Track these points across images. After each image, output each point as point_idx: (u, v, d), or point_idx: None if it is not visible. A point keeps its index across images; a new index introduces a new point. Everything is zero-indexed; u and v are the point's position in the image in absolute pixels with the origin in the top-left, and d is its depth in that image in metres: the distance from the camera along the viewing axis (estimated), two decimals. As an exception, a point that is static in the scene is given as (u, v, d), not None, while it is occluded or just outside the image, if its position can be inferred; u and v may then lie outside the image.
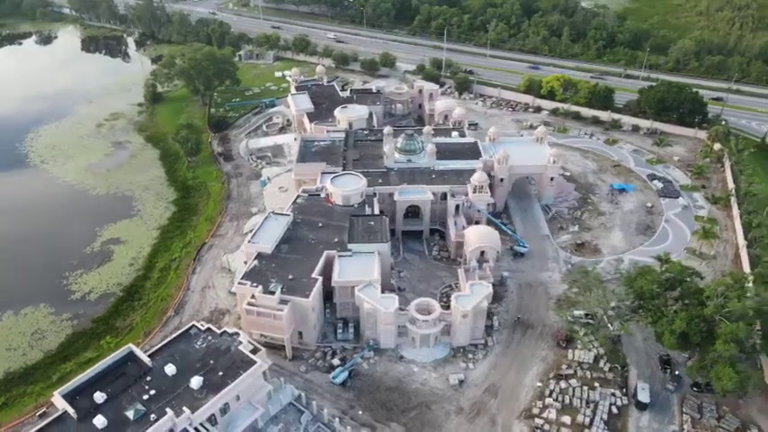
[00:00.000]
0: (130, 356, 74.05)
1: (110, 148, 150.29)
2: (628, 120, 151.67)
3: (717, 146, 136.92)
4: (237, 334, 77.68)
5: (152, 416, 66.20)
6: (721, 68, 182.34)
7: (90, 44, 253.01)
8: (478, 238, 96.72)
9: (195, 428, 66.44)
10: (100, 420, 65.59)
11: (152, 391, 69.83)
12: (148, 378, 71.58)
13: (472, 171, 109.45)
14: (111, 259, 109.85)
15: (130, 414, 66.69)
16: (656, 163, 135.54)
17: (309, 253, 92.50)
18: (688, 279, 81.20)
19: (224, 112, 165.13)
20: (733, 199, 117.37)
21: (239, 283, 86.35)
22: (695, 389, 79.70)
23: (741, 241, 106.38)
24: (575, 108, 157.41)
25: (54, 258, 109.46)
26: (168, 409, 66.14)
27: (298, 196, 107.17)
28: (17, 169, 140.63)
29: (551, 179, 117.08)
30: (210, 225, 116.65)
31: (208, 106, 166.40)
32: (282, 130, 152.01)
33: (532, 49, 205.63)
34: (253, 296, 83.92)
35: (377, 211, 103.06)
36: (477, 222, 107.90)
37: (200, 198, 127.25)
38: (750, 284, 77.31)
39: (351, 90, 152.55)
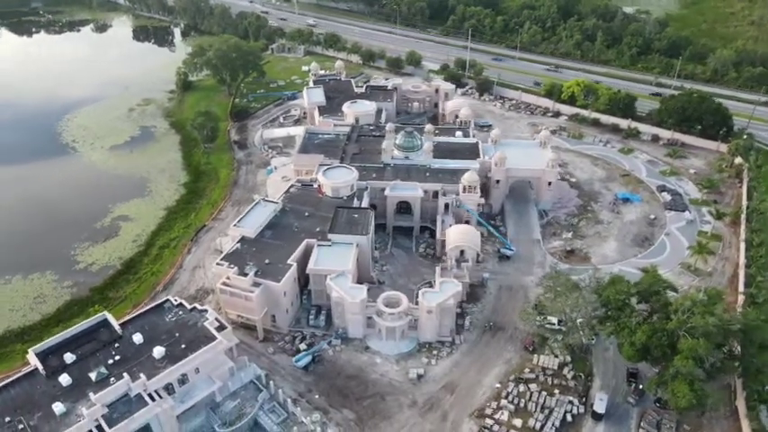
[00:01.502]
0: (103, 323, 78.83)
1: (136, 132, 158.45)
2: (648, 129, 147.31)
3: (737, 160, 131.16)
4: (206, 311, 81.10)
5: (112, 379, 70.78)
6: (762, 81, 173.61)
7: (140, 33, 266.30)
8: (459, 236, 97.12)
9: (149, 395, 70.40)
10: (65, 379, 70.59)
11: (117, 357, 74.21)
12: (116, 345, 76.08)
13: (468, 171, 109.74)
14: (118, 235, 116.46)
15: (93, 376, 71.23)
16: (670, 175, 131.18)
17: (291, 240, 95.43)
18: (660, 291, 79.31)
19: (247, 102, 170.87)
20: (743, 216, 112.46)
21: (217, 264, 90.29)
22: (657, 404, 77.67)
23: (742, 260, 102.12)
24: (595, 114, 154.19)
25: (67, 230, 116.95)
26: (125, 374, 70.50)
27: (291, 185, 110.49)
28: (49, 147, 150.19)
29: (549, 184, 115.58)
30: (213, 209, 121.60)
31: (233, 96, 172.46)
32: (298, 122, 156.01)
33: (564, 54, 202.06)
34: (228, 277, 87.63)
35: (365, 205, 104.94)
36: (466, 222, 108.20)
37: (209, 183, 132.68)
38: (718, 303, 74.45)
39: (366, 86, 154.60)
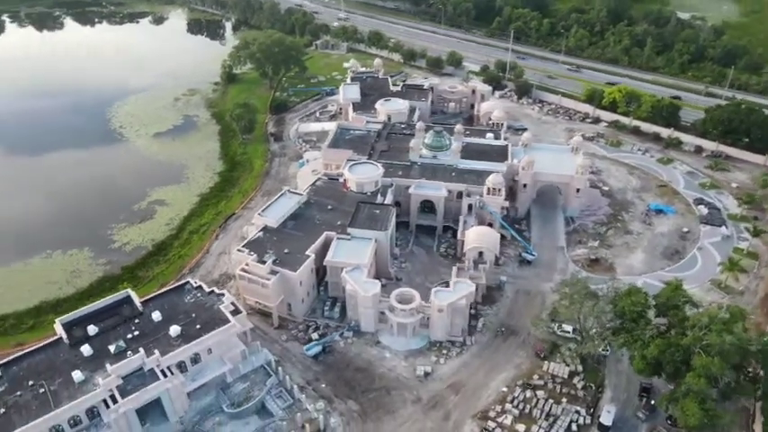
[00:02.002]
0: (127, 300, 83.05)
1: (179, 120, 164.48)
2: (691, 140, 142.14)
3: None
4: (223, 295, 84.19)
5: (128, 353, 74.42)
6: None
7: (194, 26, 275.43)
8: (477, 238, 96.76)
9: (162, 370, 73.57)
10: (86, 349, 74.93)
11: (136, 332, 78.15)
12: (137, 321, 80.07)
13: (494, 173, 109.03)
14: (153, 218, 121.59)
15: (112, 348, 75.32)
16: (710, 188, 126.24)
17: (312, 232, 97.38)
18: (680, 306, 76.90)
19: (287, 96, 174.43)
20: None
21: (238, 250, 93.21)
22: (669, 422, 75.33)
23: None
24: (636, 122, 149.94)
25: (107, 210, 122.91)
26: (141, 349, 73.96)
27: (318, 179, 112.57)
28: (99, 132, 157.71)
29: (578, 190, 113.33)
30: (243, 198, 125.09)
31: (274, 90, 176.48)
32: (334, 117, 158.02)
33: (610, 59, 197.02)
34: (247, 264, 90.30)
35: (388, 202, 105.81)
36: (489, 224, 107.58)
37: (242, 172, 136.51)
38: (739, 322, 71.46)
39: (402, 85, 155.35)
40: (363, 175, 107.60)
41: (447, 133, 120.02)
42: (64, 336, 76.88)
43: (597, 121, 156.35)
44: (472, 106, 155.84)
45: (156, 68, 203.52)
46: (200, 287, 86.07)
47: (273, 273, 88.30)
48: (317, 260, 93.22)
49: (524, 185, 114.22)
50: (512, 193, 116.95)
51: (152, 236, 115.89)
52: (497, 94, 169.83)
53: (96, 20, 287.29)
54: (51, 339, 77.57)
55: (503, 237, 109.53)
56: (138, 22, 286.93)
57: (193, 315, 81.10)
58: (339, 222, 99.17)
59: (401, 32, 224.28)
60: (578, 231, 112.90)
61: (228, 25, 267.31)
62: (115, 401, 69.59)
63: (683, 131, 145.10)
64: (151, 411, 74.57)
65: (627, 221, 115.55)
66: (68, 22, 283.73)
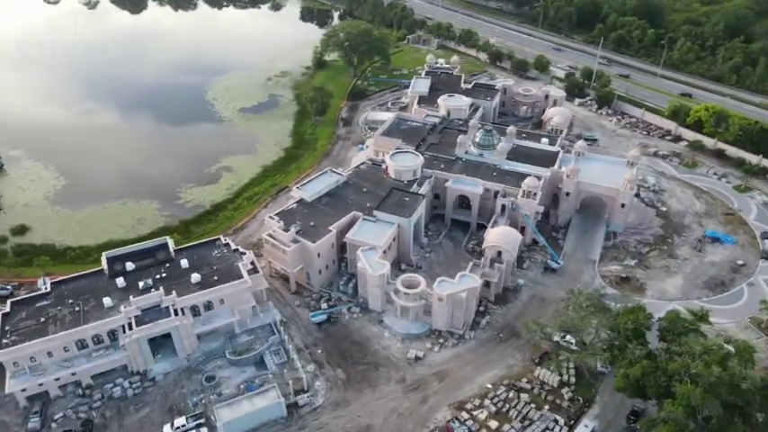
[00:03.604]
0: (164, 246, 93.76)
1: (265, 98, 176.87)
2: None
3: None
4: (244, 253, 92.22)
5: (152, 290, 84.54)
6: None
7: (306, 14, 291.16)
8: (498, 237, 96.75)
9: (176, 310, 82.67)
10: (120, 281, 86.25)
11: (164, 274, 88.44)
12: (167, 265, 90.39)
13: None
14: (218, 182, 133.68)
15: (141, 284, 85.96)
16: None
17: (341, 210, 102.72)
18: (686, 333, 72.92)
19: (367, 85, 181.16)
20: None
21: (269, 217, 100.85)
22: (649, 449, 71.89)
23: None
24: (721, 145, 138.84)
25: (181, 170, 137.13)
26: (161, 288, 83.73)
27: (363, 163, 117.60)
28: (194, 102, 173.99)
29: (622, 205, 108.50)
30: (299, 174, 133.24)
31: (356, 78, 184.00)
32: (404, 108, 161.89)
33: (714, 77, 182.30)
34: (273, 230, 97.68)
35: (423, 192, 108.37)
36: (522, 227, 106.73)
37: (306, 150, 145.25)
38: (744, 360, 66.43)
39: (474, 83, 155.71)
40: (403, 163, 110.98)
41: (497, 133, 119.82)
42: (106, 267, 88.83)
43: (678, 139, 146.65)
44: (544, 111, 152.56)
45: (261, 49, 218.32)
46: (227, 244, 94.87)
47: (295, 242, 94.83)
48: (339, 237, 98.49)
49: (567, 194, 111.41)
50: (555, 201, 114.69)
51: (212, 197, 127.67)
52: (577, 101, 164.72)
53: (225, 3, 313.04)
54: (97, 269, 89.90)
55: (535, 242, 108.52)
56: (259, 7, 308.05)
57: (215, 267, 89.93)
58: (369, 205, 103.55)
59: (496, 32, 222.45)
60: (618, 248, 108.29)
61: (336, 15, 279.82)
62: (131, 328, 79.77)
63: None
64: (165, 346, 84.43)
65: (675, 245, 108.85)
66: (201, 3, 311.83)
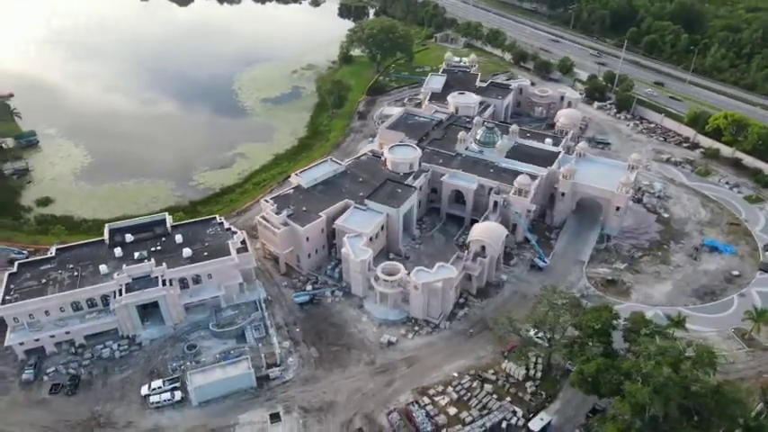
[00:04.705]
0: (162, 222, 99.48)
1: (288, 90, 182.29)
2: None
3: None
4: (236, 233, 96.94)
5: (145, 261, 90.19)
6: None
7: (343, 11, 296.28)
8: (483, 232, 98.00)
9: (164, 281, 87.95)
10: (118, 251, 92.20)
11: (159, 247, 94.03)
12: (163, 239, 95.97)
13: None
14: (231, 167, 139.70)
15: (136, 255, 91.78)
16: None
17: (335, 198, 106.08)
18: (652, 335, 72.86)
19: (388, 80, 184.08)
20: None
21: (264, 200, 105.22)
22: (601, 446, 72.23)
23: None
24: (739, 154, 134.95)
25: (197, 154, 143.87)
26: (153, 259, 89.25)
27: (363, 154, 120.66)
28: (220, 90, 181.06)
29: (617, 208, 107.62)
30: (308, 163, 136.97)
31: (378, 73, 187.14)
32: (419, 105, 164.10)
33: (747, 85, 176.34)
34: (266, 212, 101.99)
35: (417, 185, 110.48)
36: (514, 225, 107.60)
37: (318, 141, 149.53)
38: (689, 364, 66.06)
39: (489, 82, 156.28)
40: (399, 156, 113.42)
41: (499, 131, 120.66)
42: (107, 238, 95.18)
43: (695, 146, 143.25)
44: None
45: (293, 42, 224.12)
46: (221, 223, 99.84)
47: (285, 225, 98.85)
48: (329, 223, 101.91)
49: (562, 194, 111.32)
50: (552, 201, 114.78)
51: (223, 181, 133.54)
52: (596, 104, 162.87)
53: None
54: (99, 239, 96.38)
55: (527, 240, 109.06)
56: (300, 2, 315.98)
57: (206, 244, 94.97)
58: (362, 194, 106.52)
59: (526, 33, 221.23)
60: (610, 251, 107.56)
61: (371, 12, 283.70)
62: (122, 294, 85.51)
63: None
64: (155, 314, 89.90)
65: (671, 252, 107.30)
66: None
